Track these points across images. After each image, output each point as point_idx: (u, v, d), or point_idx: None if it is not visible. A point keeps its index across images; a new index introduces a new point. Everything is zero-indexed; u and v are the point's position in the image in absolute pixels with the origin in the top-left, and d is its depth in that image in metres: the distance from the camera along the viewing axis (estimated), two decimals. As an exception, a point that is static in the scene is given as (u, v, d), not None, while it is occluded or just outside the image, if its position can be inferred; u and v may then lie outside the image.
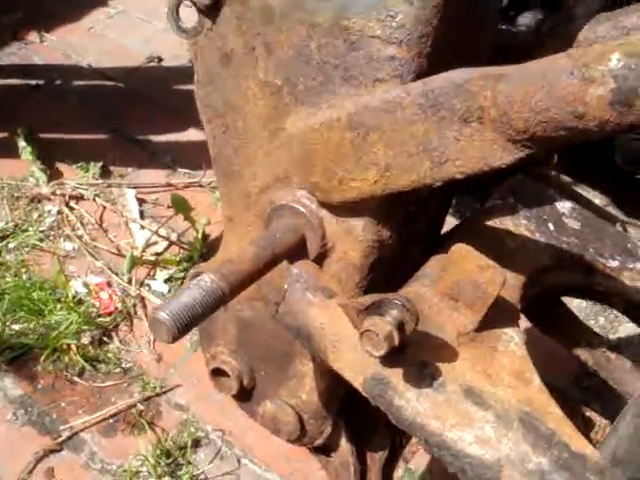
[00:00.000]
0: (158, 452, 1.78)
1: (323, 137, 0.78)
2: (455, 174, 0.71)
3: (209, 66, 0.87)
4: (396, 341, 0.65)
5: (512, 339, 0.80)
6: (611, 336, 2.20)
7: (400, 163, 0.73)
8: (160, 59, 3.04)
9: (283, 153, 0.85)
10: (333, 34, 0.76)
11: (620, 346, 1.98)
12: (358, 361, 0.74)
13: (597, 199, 2.17)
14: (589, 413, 1.24)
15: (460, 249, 0.76)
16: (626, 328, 2.22)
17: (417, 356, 0.73)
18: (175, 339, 0.68)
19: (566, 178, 1.13)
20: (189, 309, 0.69)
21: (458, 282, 0.76)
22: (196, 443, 1.85)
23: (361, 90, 0.77)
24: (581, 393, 1.92)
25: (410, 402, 0.72)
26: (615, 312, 2.23)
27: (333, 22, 0.76)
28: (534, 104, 0.62)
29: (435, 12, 0.72)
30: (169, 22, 0.85)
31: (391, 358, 0.70)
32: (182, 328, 0.67)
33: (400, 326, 0.65)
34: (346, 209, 0.82)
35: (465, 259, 0.76)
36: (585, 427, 1.18)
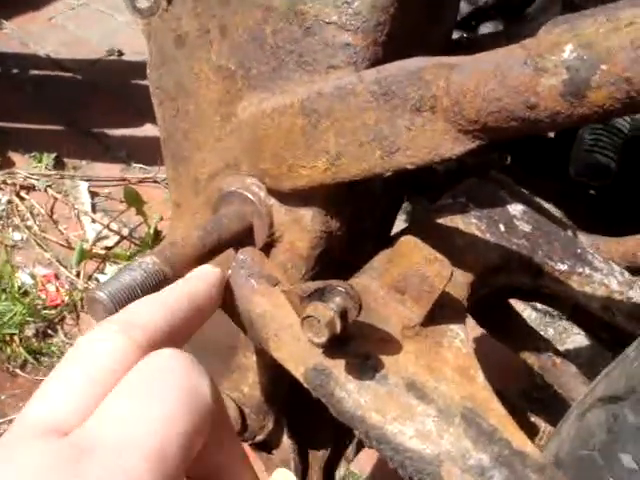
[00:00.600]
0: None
1: (274, 123, 0.77)
2: (406, 164, 0.70)
3: (162, 48, 0.86)
4: (338, 328, 0.63)
5: (457, 335, 0.79)
6: (560, 347, 2.21)
7: (351, 151, 0.72)
8: (121, 53, 3.00)
9: (234, 139, 0.83)
10: (288, 19, 0.75)
11: (569, 357, 2.00)
12: (300, 351, 0.73)
13: (552, 210, 2.18)
14: (534, 419, 1.24)
15: (407, 241, 0.75)
16: (575, 339, 2.24)
17: (360, 348, 0.72)
18: (112, 321, 0.66)
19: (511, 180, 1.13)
20: (128, 289, 0.67)
21: (405, 275, 0.75)
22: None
23: (315, 77, 0.75)
24: (529, 404, 1.92)
25: (351, 394, 0.71)
26: (564, 324, 2.25)
27: (289, 6, 0.74)
28: (486, 93, 0.61)
29: (392, 0, 0.71)
30: (124, 0, 0.83)
31: (334, 349, 0.69)
32: (119, 308, 0.65)
33: (343, 313, 0.64)
34: (295, 198, 0.81)
35: (412, 251, 0.75)
36: (530, 433, 1.17)
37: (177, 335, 0.56)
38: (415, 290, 0.75)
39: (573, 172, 1.83)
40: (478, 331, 1.06)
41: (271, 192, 0.83)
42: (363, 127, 0.71)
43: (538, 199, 1.15)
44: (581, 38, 0.57)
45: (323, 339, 0.63)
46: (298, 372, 0.73)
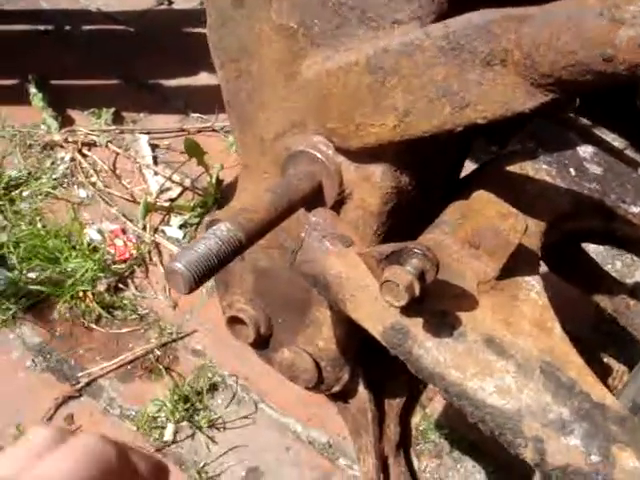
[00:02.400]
0: (176, 397, 1.79)
1: (340, 81, 0.76)
2: (476, 119, 0.69)
3: (221, 9, 0.85)
4: (417, 291, 0.64)
5: (533, 287, 0.78)
6: (628, 280, 2.18)
7: (420, 108, 0.71)
8: (170, 2, 2.98)
9: (299, 98, 0.83)
10: None
11: (637, 290, 1.97)
12: (377, 311, 0.73)
13: (615, 142, 2.13)
14: (607, 359, 1.23)
15: (481, 196, 0.75)
16: (643, 272, 2.20)
17: (437, 305, 0.72)
18: (192, 290, 0.67)
19: (584, 120, 1.10)
20: (206, 259, 0.68)
21: (479, 229, 0.75)
22: (213, 388, 1.86)
23: (379, 32, 0.74)
24: (599, 339, 1.91)
25: (430, 352, 0.71)
26: (632, 256, 2.21)
27: None
28: (560, 46, 0.59)
29: (456, -50, 0.69)
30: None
31: (411, 307, 0.69)
32: (199, 279, 0.66)
33: (421, 276, 0.64)
34: (364, 155, 0.81)
35: (486, 206, 0.74)
36: (603, 373, 1.17)
37: None
38: (490, 244, 0.75)
39: (640, 103, 1.77)
40: (543, 269, 1.05)
41: (339, 150, 0.82)
42: (431, 83, 0.70)
43: (608, 138, 1.12)
44: (660, -15, 0.54)
45: (402, 302, 0.63)
46: (376, 331, 0.74)
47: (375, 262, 0.67)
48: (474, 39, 0.66)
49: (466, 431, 1.76)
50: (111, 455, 0.55)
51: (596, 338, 1.93)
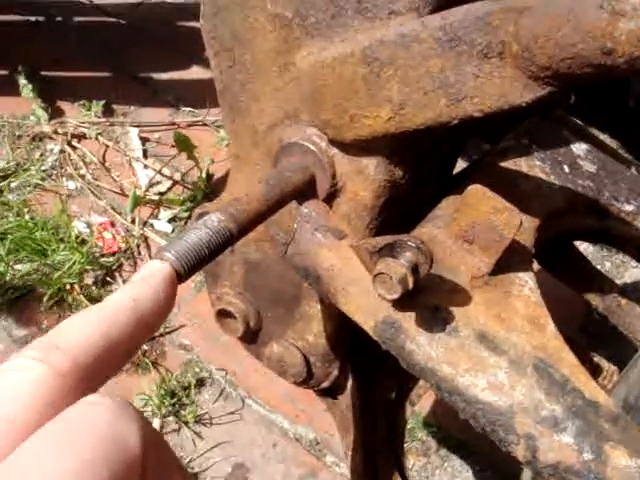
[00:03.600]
0: (162, 392, 1.79)
1: (335, 72, 0.75)
2: (473, 112, 0.68)
3: None
4: (410, 284, 0.63)
5: (526, 283, 0.78)
6: (617, 281, 2.19)
7: (415, 100, 0.71)
8: (163, -5, 2.97)
9: (293, 89, 0.82)
10: None
11: (626, 290, 1.98)
12: (369, 304, 0.73)
13: (607, 141, 2.14)
14: (597, 359, 1.22)
15: (475, 190, 0.74)
16: (632, 273, 2.21)
17: (430, 300, 0.72)
18: (181, 281, 0.66)
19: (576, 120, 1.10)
20: (196, 250, 0.66)
21: (473, 224, 0.74)
22: (200, 383, 1.86)
23: (375, 23, 0.73)
24: (588, 340, 1.91)
25: (422, 346, 0.71)
26: (621, 257, 2.22)
27: None
28: (559, 39, 0.58)
29: (455, -60, 0.68)
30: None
31: (403, 302, 0.68)
32: (188, 269, 0.65)
33: (414, 269, 0.63)
34: (358, 148, 0.80)
35: (480, 200, 0.73)
36: (593, 373, 1.17)
37: (116, 354, 0.49)
38: (484, 239, 0.74)
39: (633, 104, 1.77)
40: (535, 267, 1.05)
41: (333, 142, 0.81)
42: (428, 75, 0.69)
43: (601, 136, 1.12)
44: (662, -23, 0.54)
45: (395, 295, 0.62)
46: (367, 325, 0.73)
47: (368, 255, 0.66)
48: (472, 31, 0.65)
49: (453, 429, 1.76)
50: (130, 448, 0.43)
51: (585, 338, 1.93)
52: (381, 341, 0.73)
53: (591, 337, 1.97)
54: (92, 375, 0.45)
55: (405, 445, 1.71)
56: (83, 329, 0.47)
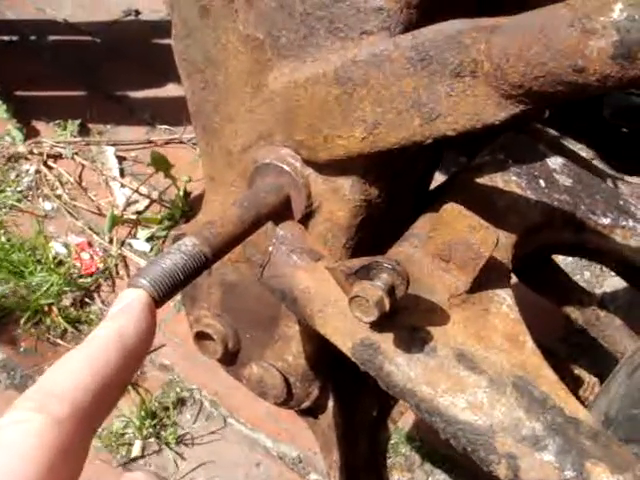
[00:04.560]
0: (143, 413, 1.77)
1: (308, 93, 0.75)
2: (446, 131, 0.68)
3: (187, 19, 0.83)
4: (387, 307, 0.62)
5: (504, 300, 0.78)
6: (597, 290, 2.19)
7: (389, 120, 0.70)
8: (138, 12, 2.96)
9: (266, 110, 0.81)
10: None
11: (605, 300, 1.98)
12: (346, 326, 0.72)
13: (583, 152, 2.15)
14: (577, 370, 1.22)
15: (451, 208, 0.74)
16: (611, 282, 2.22)
17: (407, 320, 0.71)
18: (157, 306, 0.65)
19: (552, 131, 1.11)
20: (170, 275, 0.65)
21: (449, 243, 0.74)
22: (181, 403, 1.84)
23: (347, 43, 0.73)
24: (569, 350, 1.92)
25: (400, 367, 0.70)
26: (601, 267, 2.22)
27: None
28: (531, 57, 0.58)
29: (424, -40, 0.68)
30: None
31: (381, 323, 0.68)
32: (164, 295, 0.64)
33: (391, 291, 0.63)
34: (332, 168, 0.79)
35: (456, 219, 0.73)
36: (574, 385, 1.17)
37: (111, 390, 0.48)
38: (461, 258, 0.74)
39: (608, 115, 1.79)
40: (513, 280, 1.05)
41: (307, 162, 0.81)
42: (400, 94, 0.69)
43: (576, 148, 1.12)
44: (630, -4, 0.54)
45: (372, 318, 0.62)
46: (345, 347, 0.73)
47: (344, 277, 0.65)
48: (444, 50, 0.65)
49: (437, 444, 1.76)
50: None
51: (565, 349, 1.94)
52: (359, 362, 0.72)
53: (572, 347, 1.98)
54: (91, 415, 0.45)
55: (389, 460, 1.70)
56: (75, 372, 0.46)
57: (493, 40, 0.61)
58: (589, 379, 1.24)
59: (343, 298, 0.68)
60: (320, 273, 0.74)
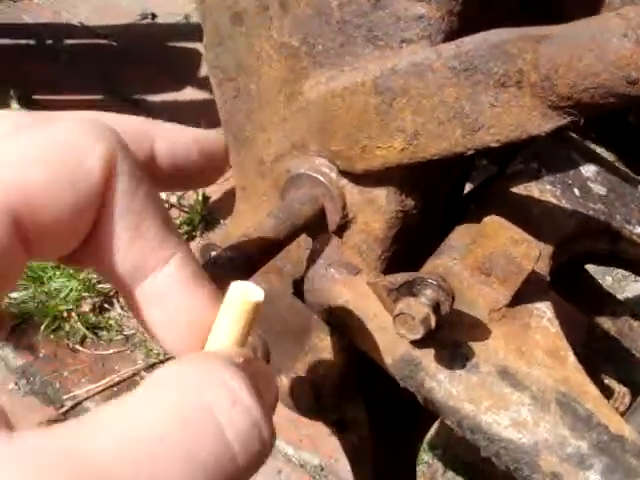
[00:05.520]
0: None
1: (345, 102, 0.73)
2: (490, 142, 0.66)
3: (219, 26, 0.82)
4: (433, 324, 0.61)
5: (544, 314, 0.76)
6: (618, 295, 2.17)
7: (430, 130, 0.69)
8: (154, 15, 2.96)
9: (301, 119, 0.80)
10: None
11: (628, 305, 1.96)
12: (386, 341, 0.71)
13: (611, 159, 2.13)
14: (607, 380, 1.21)
15: (492, 221, 0.72)
16: (633, 288, 2.20)
17: (449, 335, 0.70)
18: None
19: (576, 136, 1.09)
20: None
21: (490, 256, 0.72)
22: (202, 411, 1.83)
23: (386, 52, 0.71)
24: (592, 356, 1.90)
25: (442, 384, 0.69)
26: (622, 271, 2.20)
27: None
28: (582, 68, 0.57)
29: (467, -34, 0.67)
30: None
31: (423, 338, 0.67)
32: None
33: (436, 308, 0.62)
34: (369, 178, 0.78)
35: (497, 232, 0.72)
36: (604, 395, 1.15)
37: None
38: (501, 271, 0.72)
39: (634, 119, 1.77)
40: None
41: (342, 173, 0.79)
42: (442, 105, 0.67)
43: (603, 152, 1.11)
44: (688, 5, 0.52)
45: (418, 336, 0.61)
46: (385, 363, 0.71)
47: (386, 292, 0.64)
48: (488, 59, 0.63)
49: (459, 451, 1.74)
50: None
51: (589, 354, 1.92)
52: (399, 378, 0.71)
53: (595, 353, 1.95)
54: None
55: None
56: None
57: (541, 50, 0.60)
58: (619, 389, 1.22)
59: (383, 313, 0.67)
60: (358, 287, 0.72)
